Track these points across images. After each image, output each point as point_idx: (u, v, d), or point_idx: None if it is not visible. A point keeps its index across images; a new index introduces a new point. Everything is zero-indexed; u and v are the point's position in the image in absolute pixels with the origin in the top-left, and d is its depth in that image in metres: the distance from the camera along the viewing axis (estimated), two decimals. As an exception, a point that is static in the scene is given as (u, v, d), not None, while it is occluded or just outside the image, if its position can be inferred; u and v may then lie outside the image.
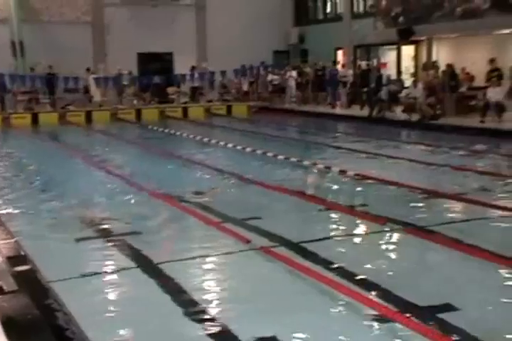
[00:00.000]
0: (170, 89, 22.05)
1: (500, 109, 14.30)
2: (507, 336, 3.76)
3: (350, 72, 20.25)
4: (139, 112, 20.20)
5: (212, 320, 4.06)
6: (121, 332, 3.96)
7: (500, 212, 6.59)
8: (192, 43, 23.51)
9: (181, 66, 22.41)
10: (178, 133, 15.43)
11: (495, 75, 14.67)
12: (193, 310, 4.21)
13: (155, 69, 22.34)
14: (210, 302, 4.38)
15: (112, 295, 4.65)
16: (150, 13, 22.54)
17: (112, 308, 4.36)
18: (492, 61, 15.03)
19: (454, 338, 3.67)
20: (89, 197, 7.96)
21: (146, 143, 14.42)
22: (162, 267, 5.11)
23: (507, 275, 4.73)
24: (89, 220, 6.75)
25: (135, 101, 21.22)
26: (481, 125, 14.07)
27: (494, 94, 14.35)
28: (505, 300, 4.28)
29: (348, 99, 19.81)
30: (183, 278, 4.82)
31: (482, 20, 15.51)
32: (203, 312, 4.19)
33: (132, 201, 7.65)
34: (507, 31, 15.75)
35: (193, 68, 22.13)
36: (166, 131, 16.28)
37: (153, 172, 9.83)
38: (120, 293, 4.70)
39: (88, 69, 20.77)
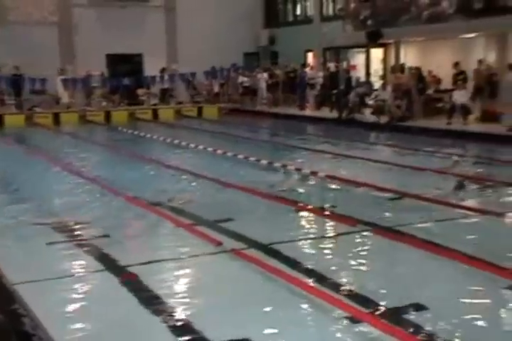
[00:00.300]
0: (140, 91, 21.86)
1: (465, 111, 14.59)
2: (474, 335, 3.83)
3: (320, 74, 20.41)
4: (108, 114, 19.99)
5: (183, 323, 4.04)
6: (87, 333, 3.93)
7: (466, 212, 6.71)
8: (162, 45, 23.36)
9: (151, 68, 22.25)
10: (148, 135, 15.32)
11: (461, 78, 14.96)
12: (164, 314, 4.18)
13: (124, 71, 22.11)
14: (180, 304, 4.36)
15: (79, 298, 4.58)
16: (119, 14, 22.30)
17: (79, 311, 4.30)
18: (456, 64, 15.31)
19: (421, 338, 3.72)
20: (57, 201, 7.85)
21: (116, 145, 14.28)
22: (131, 270, 5.06)
23: (473, 275, 4.82)
24: (56, 224, 6.64)
25: (104, 103, 20.98)
26: (447, 127, 14.33)
27: (459, 96, 14.64)
28: (472, 300, 4.36)
29: (317, 101, 19.93)
30: (152, 281, 4.79)
31: (448, 24, 15.80)
32: (173, 314, 4.17)
33: (102, 204, 7.56)
34: (471, 35, 16.08)
35: (163, 70, 22.02)
36: (136, 133, 16.15)
37: (123, 175, 9.73)
38: (88, 295, 4.64)
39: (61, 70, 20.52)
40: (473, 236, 5.91)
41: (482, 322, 4.01)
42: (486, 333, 3.87)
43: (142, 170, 10.34)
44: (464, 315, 4.11)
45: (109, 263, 5.28)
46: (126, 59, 22.73)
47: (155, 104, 21.50)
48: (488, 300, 4.37)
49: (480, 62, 15.14)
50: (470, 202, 7.13)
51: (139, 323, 4.10)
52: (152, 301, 4.41)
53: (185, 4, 23.05)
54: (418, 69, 16.32)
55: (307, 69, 20.97)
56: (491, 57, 15.66)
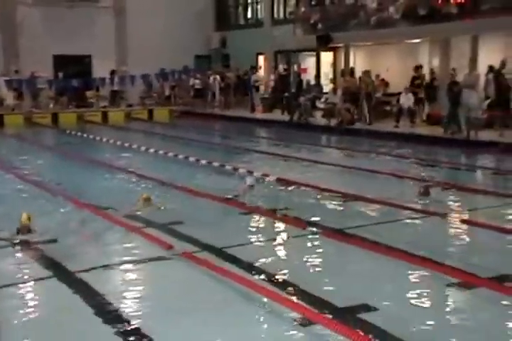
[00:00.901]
0: (89, 93, 21.49)
1: (412, 114, 14.97)
2: (423, 331, 3.93)
3: (272, 77, 20.55)
4: (55, 116, 19.52)
5: (132, 328, 3.98)
6: (32, 339, 3.84)
7: (412, 214, 6.87)
8: (111, 46, 22.99)
9: (100, 69, 21.89)
10: (97, 138, 15.04)
11: (418, 82, 15.13)
12: (113, 319, 4.11)
13: (72, 73, 21.62)
14: (129, 308, 4.30)
15: (25, 305, 4.45)
16: (66, 14, 21.82)
17: (25, 317, 4.18)
18: (417, 68, 15.34)
19: (372, 337, 3.79)
20: (2, 206, 7.61)
21: (63, 148, 13.97)
22: (81, 275, 4.96)
23: (419, 274, 4.94)
24: (2, 229, 6.44)
25: (51, 105, 20.49)
26: (395, 129, 14.66)
27: (406, 100, 15.01)
28: (419, 298, 4.46)
29: (269, 104, 20.04)
30: (102, 285, 4.71)
31: (394, 29, 16.20)
32: (122, 319, 4.10)
33: (49, 209, 7.37)
34: (417, 40, 16.54)
35: (112, 72, 21.69)
36: (85, 135, 15.83)
37: (71, 179, 9.52)
38: (35, 302, 4.52)
39: (16, 71, 19.88)
40: (419, 237, 6.06)
41: (429, 318, 4.11)
42: (433, 329, 3.97)
43: (91, 173, 10.15)
44: (412, 313, 4.21)
45: (57, 269, 5.15)
46: (74, 60, 22.23)
47: (104, 107, 21.16)
48: (433, 298, 4.49)
49: (421, 67, 15.54)
50: (415, 204, 7.28)
51: (86, 329, 4.02)
52: (101, 306, 4.33)
53: (136, 5, 22.79)
54: (366, 72, 16.59)
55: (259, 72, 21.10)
56: (435, 62, 16.13)
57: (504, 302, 4.32)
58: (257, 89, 20.54)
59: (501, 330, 3.93)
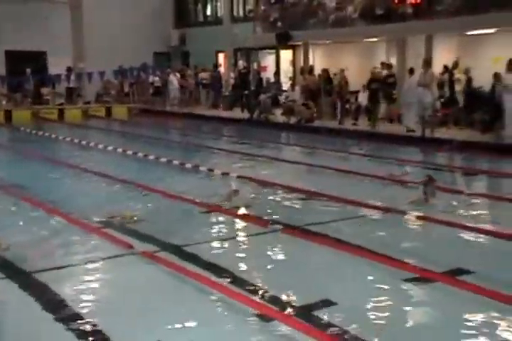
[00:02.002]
0: (44, 90, 21.01)
1: (370, 111, 15.17)
2: (382, 328, 3.99)
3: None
4: (8, 114, 19.01)
5: (91, 329, 3.92)
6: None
7: (372, 211, 6.97)
8: (67, 42, 22.52)
9: (56, 66, 21.42)
10: (53, 135, 14.74)
11: (391, 81, 15.25)
12: (72, 320, 4.04)
13: (27, 69, 21.06)
14: (89, 309, 4.23)
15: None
16: (19, 9, 21.27)
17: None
18: (389, 67, 15.43)
19: (331, 333, 3.83)
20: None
21: (17, 146, 13.63)
22: (38, 276, 4.85)
23: (378, 269, 5.02)
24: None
25: (4, 102, 19.97)
26: (353, 127, 14.85)
27: (364, 98, 15.23)
28: (378, 294, 4.54)
29: (228, 102, 20.03)
30: (60, 287, 4.62)
31: (352, 28, 16.41)
32: (81, 320, 4.03)
33: (3, 208, 7.19)
34: (374, 39, 16.78)
35: (69, 69, 21.28)
36: (40, 133, 15.49)
37: (25, 178, 9.29)
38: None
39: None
40: (378, 234, 6.15)
41: (388, 314, 4.18)
42: (392, 325, 4.04)
43: (46, 172, 9.93)
44: (371, 310, 4.27)
45: (13, 270, 5.03)
46: (28, 56, 21.67)
47: (61, 104, 20.73)
48: (392, 294, 4.56)
49: (382, 65, 15.77)
50: (374, 201, 7.38)
51: (44, 331, 3.94)
52: (59, 307, 4.25)
53: (92, 1, 22.39)
54: (325, 71, 16.75)
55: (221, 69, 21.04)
56: (392, 61, 16.41)
57: (459, 296, 4.43)
58: (204, 86, 20.55)
59: (457, 324, 4.03)
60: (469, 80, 13.47)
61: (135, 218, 6.65)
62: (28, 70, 20.70)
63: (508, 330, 3.92)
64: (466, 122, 13.60)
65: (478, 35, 14.14)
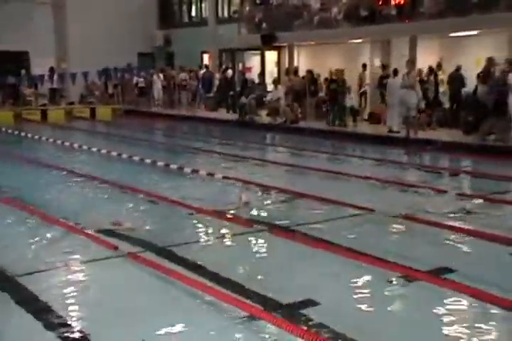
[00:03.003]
0: (27, 91, 20.85)
1: (355, 113, 15.29)
2: (364, 326, 4.04)
3: (184, 75, 20.51)
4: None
5: (75, 331, 3.93)
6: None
7: (356, 211, 7.03)
8: (51, 43, 22.40)
9: (39, 66, 21.27)
10: (36, 136, 14.65)
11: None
12: (55, 324, 4.04)
13: (9, 69, 20.88)
14: (74, 310, 4.24)
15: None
16: (3, 10, 21.09)
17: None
18: (384, 67, 15.32)
19: (316, 332, 3.87)
20: None
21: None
22: (20, 280, 4.83)
23: (362, 269, 5.07)
24: None
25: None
26: (338, 128, 14.92)
27: (349, 99, 15.32)
28: (361, 293, 4.59)
29: (213, 103, 20.03)
30: (44, 290, 4.61)
31: (337, 29, 16.50)
32: (66, 322, 4.03)
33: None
34: (358, 41, 16.89)
35: (51, 69, 21.14)
36: (23, 134, 15.38)
37: (7, 180, 9.23)
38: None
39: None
40: (361, 233, 6.21)
41: (370, 313, 4.24)
42: (375, 324, 4.09)
43: (29, 173, 9.88)
44: (354, 308, 4.32)
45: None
46: (10, 56, 21.48)
47: (44, 105, 20.58)
48: (376, 293, 4.62)
49: (364, 67, 15.86)
50: (358, 201, 7.42)
51: (26, 334, 3.93)
52: (42, 311, 4.24)
53: (75, 1, 22.26)
54: (310, 72, 16.84)
55: (204, 72, 21.01)
56: (377, 62, 16.54)
57: (442, 294, 4.50)
58: (184, 88, 20.56)
59: (440, 322, 4.09)
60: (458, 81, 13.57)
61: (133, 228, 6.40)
62: (23, 71, 20.52)
63: (491, 329, 3.99)
64: (450, 123, 13.74)
65: (462, 36, 14.30)
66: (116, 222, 6.42)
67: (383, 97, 14.80)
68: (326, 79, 15.70)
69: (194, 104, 20.58)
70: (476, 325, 4.01)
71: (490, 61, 12.17)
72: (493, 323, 4.06)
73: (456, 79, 13.65)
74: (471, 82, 12.87)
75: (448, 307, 4.30)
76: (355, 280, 4.86)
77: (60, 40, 22.74)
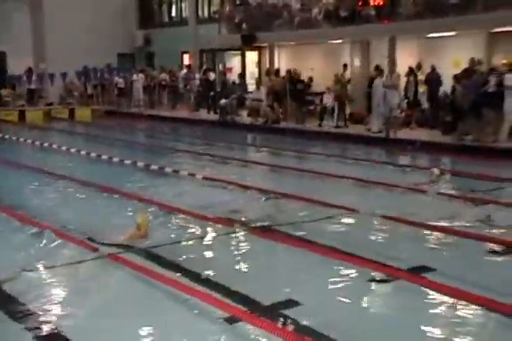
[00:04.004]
0: (4, 92, 20.60)
1: (334, 113, 15.34)
2: (345, 325, 4.07)
3: (164, 75, 20.48)
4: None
5: (54, 333, 3.90)
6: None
7: (335, 211, 7.07)
8: (28, 43, 22.11)
9: (16, 67, 21.02)
10: (13, 138, 14.49)
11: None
12: (34, 326, 4.00)
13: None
14: (54, 311, 4.20)
15: None
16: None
17: None
18: (377, 69, 15.25)
19: (297, 331, 3.89)
20: None
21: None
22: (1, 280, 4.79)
23: (343, 268, 5.09)
24: None
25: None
26: (318, 128, 14.99)
27: (329, 99, 15.38)
28: (341, 291, 4.62)
29: (194, 103, 19.99)
30: (24, 292, 4.56)
31: (317, 30, 16.57)
32: (44, 325, 4.00)
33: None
34: (338, 41, 16.98)
35: (29, 69, 20.91)
36: (0, 135, 15.21)
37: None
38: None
39: None
40: (341, 233, 6.25)
41: (350, 312, 4.28)
42: (356, 323, 4.12)
43: (6, 175, 9.76)
44: (336, 308, 4.35)
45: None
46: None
47: (22, 106, 20.35)
48: (357, 292, 4.65)
49: (345, 66, 15.91)
50: (338, 201, 7.46)
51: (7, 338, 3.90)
52: (22, 313, 4.20)
53: (53, 0, 22.02)
54: (290, 72, 16.85)
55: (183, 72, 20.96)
56: (357, 62, 16.64)
57: (421, 293, 4.55)
58: (164, 88, 20.50)
59: (418, 320, 4.14)
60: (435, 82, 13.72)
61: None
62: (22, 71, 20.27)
63: (469, 327, 4.05)
64: (429, 123, 13.87)
65: (440, 37, 14.45)
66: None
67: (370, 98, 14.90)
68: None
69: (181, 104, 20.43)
70: (453, 320, 4.07)
71: (472, 61, 12.24)
72: (468, 319, 4.12)
73: (433, 79, 13.79)
74: (449, 83, 12.99)
75: (426, 304, 4.36)
76: (336, 279, 4.88)
77: (38, 40, 22.47)
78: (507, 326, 4.06)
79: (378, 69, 13.79)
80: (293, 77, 16.09)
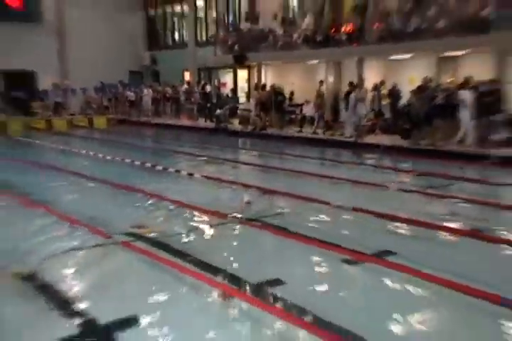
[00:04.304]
0: (34, 104, 20.44)
1: (313, 121, 15.34)
2: (321, 302, 4.05)
3: (168, 89, 20.38)
4: (3, 125, 18.37)
5: (76, 310, 3.84)
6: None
7: (314, 204, 7.05)
8: (54, 63, 21.98)
9: (45, 83, 20.91)
10: (42, 143, 14.34)
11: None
12: (60, 302, 3.94)
13: (19, 86, 20.46)
14: (76, 294, 4.14)
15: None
16: (12, 34, 20.59)
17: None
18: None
19: (282, 307, 3.86)
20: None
21: (12, 152, 13.18)
22: (23, 263, 4.71)
23: (320, 254, 5.09)
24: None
25: (-1, 115, 19.36)
26: (299, 134, 14.98)
27: (308, 109, 15.39)
28: (319, 274, 4.61)
29: (193, 113, 19.91)
30: (46, 275, 4.49)
31: (297, 51, 16.56)
32: (68, 304, 3.94)
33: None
34: (315, 61, 16.99)
35: (55, 85, 20.79)
36: (31, 141, 15.04)
37: (15, 178, 9.00)
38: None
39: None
40: (319, 223, 6.23)
41: (327, 289, 4.26)
42: (331, 298, 4.11)
43: (36, 174, 9.65)
44: (314, 286, 4.33)
45: None
46: (21, 76, 21.03)
47: (49, 116, 20.19)
48: (332, 273, 4.64)
49: (321, 82, 15.92)
50: (319, 196, 7.44)
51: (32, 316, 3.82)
52: (45, 293, 4.14)
53: (75, 28, 21.95)
54: (272, 86, 16.81)
55: (185, 86, 20.85)
56: (330, 79, 16.64)
57: (384, 273, 4.54)
58: (168, 100, 20.44)
59: (382, 294, 4.13)
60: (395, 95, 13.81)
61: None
62: (50, 87, 20.12)
63: (420, 299, 4.04)
64: (391, 130, 13.91)
65: (399, 59, 14.50)
66: (138, 225, 6.04)
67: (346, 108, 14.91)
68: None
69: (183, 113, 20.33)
70: (409, 294, 4.07)
71: (425, 79, 12.38)
72: (425, 296, 4.12)
73: (394, 93, 13.92)
74: (406, 97, 13.06)
75: (388, 282, 4.36)
76: (314, 262, 4.87)
77: (63, 61, 22.32)
78: (455, 299, 4.06)
79: (352, 85, 13.84)
80: (275, 90, 16.07)
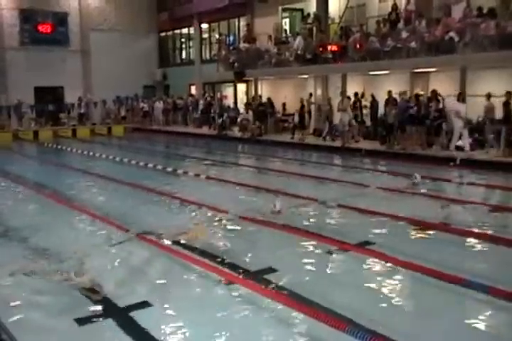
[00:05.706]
0: (62, 115, 20.62)
1: (303, 129, 15.29)
2: (310, 286, 4.08)
3: (179, 101, 20.33)
4: (36, 133, 18.51)
5: (96, 290, 3.86)
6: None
7: (302, 201, 7.06)
8: (79, 79, 22.18)
9: (71, 97, 21.10)
10: (68, 149, 14.37)
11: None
12: (82, 284, 3.96)
13: (49, 100, 20.74)
14: (99, 276, 4.16)
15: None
16: (44, 55, 20.84)
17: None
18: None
19: (275, 291, 3.88)
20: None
21: (43, 156, 13.20)
22: (57, 254, 4.73)
23: (308, 245, 5.10)
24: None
25: (32, 124, 19.47)
26: (290, 140, 14.96)
27: (300, 118, 15.33)
28: (307, 261, 4.62)
29: (199, 122, 19.91)
30: (71, 263, 4.51)
31: (289, 68, 16.57)
32: (88, 285, 3.97)
33: (22, 201, 6.93)
34: (305, 76, 17.02)
35: (80, 99, 20.95)
36: (59, 147, 15.07)
37: (46, 179, 9.01)
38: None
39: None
40: (307, 217, 6.24)
41: (315, 275, 4.28)
42: (319, 283, 4.14)
43: (64, 175, 9.66)
44: (303, 272, 4.35)
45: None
46: (50, 90, 21.23)
47: (74, 125, 20.28)
48: (318, 261, 4.66)
49: (310, 95, 15.96)
50: (307, 193, 7.44)
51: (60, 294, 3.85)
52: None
53: (98, 49, 22.14)
54: (269, 99, 16.83)
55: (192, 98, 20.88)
56: (318, 92, 16.65)
57: (367, 261, 4.57)
58: (179, 110, 20.57)
59: (363, 278, 4.16)
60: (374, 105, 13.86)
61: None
62: (75, 100, 20.59)
63: (396, 282, 4.07)
64: (371, 136, 13.93)
65: (378, 74, 14.54)
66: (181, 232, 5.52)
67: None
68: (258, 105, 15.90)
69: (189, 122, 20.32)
70: (386, 278, 4.10)
71: (400, 92, 12.44)
72: (399, 278, 4.15)
73: (373, 104, 13.98)
74: (383, 107, 13.09)
75: (368, 267, 4.39)
76: (303, 251, 4.89)
77: (86, 77, 22.40)
78: (426, 282, 4.09)
79: (356, 96, 13.99)
80: (260, 103, 16.23)
